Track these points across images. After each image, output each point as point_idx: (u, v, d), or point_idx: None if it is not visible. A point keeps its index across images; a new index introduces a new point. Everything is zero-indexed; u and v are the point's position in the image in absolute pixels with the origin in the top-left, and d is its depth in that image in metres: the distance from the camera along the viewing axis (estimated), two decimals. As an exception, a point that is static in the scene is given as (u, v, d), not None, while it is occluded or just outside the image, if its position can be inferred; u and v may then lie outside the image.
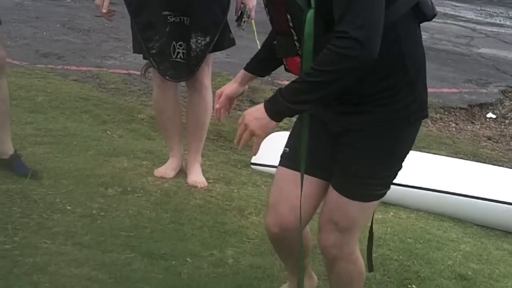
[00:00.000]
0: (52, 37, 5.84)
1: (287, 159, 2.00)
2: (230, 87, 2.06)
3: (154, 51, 3.07)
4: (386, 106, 1.80)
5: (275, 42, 1.91)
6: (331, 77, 1.64)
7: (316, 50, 1.68)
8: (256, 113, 1.76)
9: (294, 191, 1.90)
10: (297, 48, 1.78)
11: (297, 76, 1.76)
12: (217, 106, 2.06)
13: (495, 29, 8.29)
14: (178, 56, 3.07)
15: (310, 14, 1.66)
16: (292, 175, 1.95)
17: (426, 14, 1.79)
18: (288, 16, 1.75)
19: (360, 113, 1.83)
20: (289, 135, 2.06)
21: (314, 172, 1.92)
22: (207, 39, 3.04)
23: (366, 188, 1.88)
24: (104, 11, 3.13)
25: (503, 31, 8.23)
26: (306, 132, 1.85)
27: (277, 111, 1.73)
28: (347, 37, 1.60)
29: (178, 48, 3.06)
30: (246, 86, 2.12)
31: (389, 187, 1.95)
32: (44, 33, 5.95)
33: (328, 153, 1.92)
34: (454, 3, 9.63)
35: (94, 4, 3.19)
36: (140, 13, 3.06)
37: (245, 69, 2.07)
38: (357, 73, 1.66)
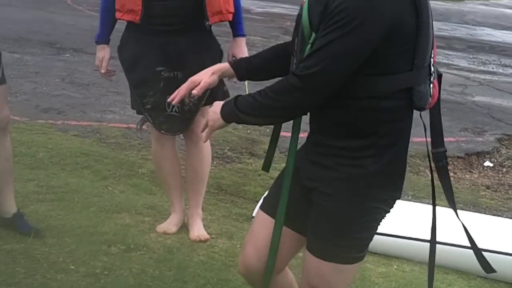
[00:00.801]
0: (52, 92, 5.90)
1: (266, 202, 2.05)
2: (211, 78, 2.00)
3: (149, 106, 3.12)
4: (350, 167, 1.79)
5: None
6: (271, 103, 1.73)
7: None
8: (217, 107, 1.88)
9: (262, 234, 1.95)
10: (293, 69, 1.84)
11: None
12: (181, 89, 2.02)
13: (488, 77, 8.41)
14: (173, 110, 3.11)
15: (308, 49, 1.70)
16: (265, 219, 1.99)
17: (414, 102, 1.78)
18: (296, 40, 1.84)
19: (326, 167, 1.82)
20: (275, 179, 2.09)
21: (288, 223, 1.94)
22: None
23: (337, 250, 1.84)
24: (103, 71, 3.21)
25: (496, 78, 8.36)
26: (288, 180, 1.90)
27: (226, 112, 1.83)
28: (297, 75, 1.68)
29: None
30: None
31: (364, 251, 1.89)
32: (44, 88, 6.00)
33: (302, 208, 1.92)
34: (446, 51, 9.79)
35: (93, 58, 3.26)
36: (134, 70, 3.12)
37: (233, 66, 2.05)
38: (293, 112, 1.77)
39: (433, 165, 1.93)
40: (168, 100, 2.06)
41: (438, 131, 1.90)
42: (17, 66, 6.58)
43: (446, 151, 1.90)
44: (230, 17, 3.11)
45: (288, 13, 12.41)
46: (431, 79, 1.80)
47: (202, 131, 1.95)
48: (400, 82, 1.73)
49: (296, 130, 1.93)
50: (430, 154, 1.94)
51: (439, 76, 1.88)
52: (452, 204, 1.94)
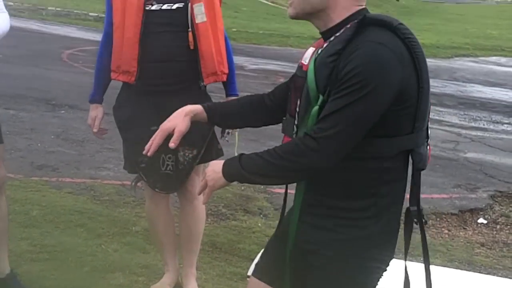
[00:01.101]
0: (46, 148, 5.93)
1: (260, 269, 2.05)
2: (184, 123, 2.02)
3: (143, 165, 3.13)
4: (351, 229, 1.81)
5: (284, 118, 1.99)
6: (284, 164, 1.72)
7: None
8: (216, 166, 1.86)
9: None
10: (294, 132, 1.86)
11: None
12: (155, 138, 2.04)
13: (479, 133, 8.49)
14: (168, 168, 3.12)
15: (314, 110, 1.73)
16: (259, 285, 1.99)
17: (414, 163, 1.82)
18: (298, 102, 1.84)
19: (325, 229, 1.84)
20: (268, 242, 2.09)
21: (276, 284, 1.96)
22: (194, 152, 3.12)
23: None
24: (95, 130, 3.24)
25: (488, 135, 8.44)
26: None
27: (230, 171, 1.82)
28: (313, 137, 1.68)
29: (167, 161, 3.13)
30: None
31: None
32: (39, 144, 6.04)
33: (292, 270, 1.93)
34: (438, 108, 9.91)
35: (87, 115, 3.29)
36: (129, 129, 3.15)
37: (206, 109, 2.06)
38: (306, 173, 1.75)
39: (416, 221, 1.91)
40: (144, 152, 2.07)
41: (417, 189, 1.88)
42: (13, 123, 6.61)
43: (419, 210, 1.89)
44: (225, 77, 3.17)
45: (282, 70, 12.58)
46: (428, 141, 1.86)
47: (200, 192, 1.94)
48: (403, 144, 1.78)
49: (300, 190, 1.94)
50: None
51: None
52: (426, 261, 1.94)
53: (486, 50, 21.47)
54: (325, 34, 1.84)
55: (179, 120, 2.01)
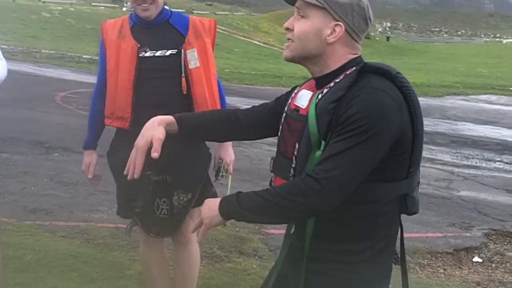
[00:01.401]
0: (40, 191, 5.90)
1: None
2: (160, 132, 2.01)
3: (138, 210, 3.13)
4: (346, 273, 1.82)
5: (273, 157, 2.00)
6: (283, 203, 1.72)
7: None
8: (212, 204, 1.86)
9: None
10: (290, 175, 1.86)
11: None
12: (136, 158, 2.03)
13: (472, 171, 8.54)
14: (162, 213, 3.12)
15: (318, 155, 1.75)
16: None
17: (407, 207, 1.86)
18: (297, 145, 1.85)
19: (320, 273, 1.85)
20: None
21: None
22: (189, 195, 3.11)
23: None
24: (89, 176, 3.24)
25: (480, 173, 8.48)
26: None
27: (227, 209, 1.81)
28: (315, 178, 1.69)
29: (162, 205, 3.12)
30: None
31: None
32: (32, 188, 6.01)
33: None
34: (430, 146, 9.97)
35: (81, 158, 3.30)
36: (123, 175, 3.14)
37: (178, 121, 2.08)
38: (305, 213, 1.76)
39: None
40: (125, 172, 2.05)
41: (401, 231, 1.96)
42: (6, 166, 6.60)
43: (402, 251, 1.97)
44: None
45: (274, 110, 12.66)
46: (418, 185, 1.91)
47: (195, 230, 1.94)
48: (399, 189, 1.82)
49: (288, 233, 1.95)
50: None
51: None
52: None
53: (476, 88, 21.74)
54: (320, 80, 1.87)
55: (153, 130, 2.00)
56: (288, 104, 1.98)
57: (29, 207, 5.39)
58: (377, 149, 1.69)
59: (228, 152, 3.27)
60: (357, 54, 1.86)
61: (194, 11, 53.95)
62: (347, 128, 1.68)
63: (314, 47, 1.83)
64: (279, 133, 1.99)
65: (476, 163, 9.21)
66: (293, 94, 1.99)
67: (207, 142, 3.29)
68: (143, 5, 2.94)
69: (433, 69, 30.75)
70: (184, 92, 3.01)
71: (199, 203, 3.17)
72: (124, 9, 53.79)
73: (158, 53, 2.99)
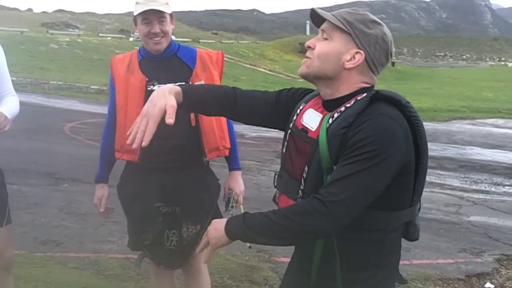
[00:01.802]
0: (50, 223, 5.92)
1: None
2: (171, 99, 1.96)
3: (148, 242, 3.14)
4: None
5: (278, 173, 2.03)
6: (290, 225, 1.73)
7: None
8: (219, 224, 1.87)
9: None
10: (299, 196, 1.88)
11: None
12: (148, 127, 1.93)
13: (481, 196, 8.51)
14: (172, 244, 3.13)
15: (327, 178, 1.78)
16: None
17: (409, 234, 1.91)
18: (306, 168, 1.85)
19: None
20: None
21: None
22: (198, 227, 3.12)
23: None
24: (101, 210, 3.26)
25: (490, 197, 8.45)
26: None
27: (233, 229, 1.83)
28: (322, 201, 1.70)
29: (171, 236, 3.14)
30: None
31: None
32: (43, 219, 6.03)
33: None
34: (438, 171, 9.96)
35: (91, 188, 3.32)
36: (133, 207, 3.17)
37: (184, 94, 2.04)
38: (311, 235, 1.77)
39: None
40: (129, 141, 1.96)
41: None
42: (16, 198, 6.63)
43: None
44: (227, 152, 3.20)
45: (282, 137, 12.70)
46: (419, 211, 1.94)
47: (201, 250, 1.95)
48: (403, 217, 1.85)
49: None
50: None
51: None
52: None
53: (483, 112, 21.74)
54: (328, 103, 1.90)
55: (165, 98, 1.94)
56: (293, 120, 1.99)
57: (39, 238, 5.41)
58: (384, 175, 1.71)
59: (238, 182, 3.27)
60: (368, 84, 1.90)
61: (200, 40, 54.41)
62: (355, 152, 1.70)
63: (330, 69, 1.86)
64: (283, 149, 2.01)
65: (485, 187, 9.18)
66: (298, 111, 2.00)
67: (216, 173, 3.30)
68: (156, 38, 2.98)
69: (439, 93, 30.80)
70: (193, 124, 3.03)
71: None
72: (131, 39, 54.34)
73: None
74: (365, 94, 1.83)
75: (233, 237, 1.84)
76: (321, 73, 1.88)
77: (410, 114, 1.80)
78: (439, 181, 9.25)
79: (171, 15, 3.03)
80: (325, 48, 1.87)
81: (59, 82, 21.96)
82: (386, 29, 1.89)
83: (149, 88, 3.01)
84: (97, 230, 5.82)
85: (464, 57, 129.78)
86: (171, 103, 1.92)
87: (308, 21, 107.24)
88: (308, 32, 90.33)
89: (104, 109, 16.16)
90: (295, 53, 61.95)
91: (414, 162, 1.81)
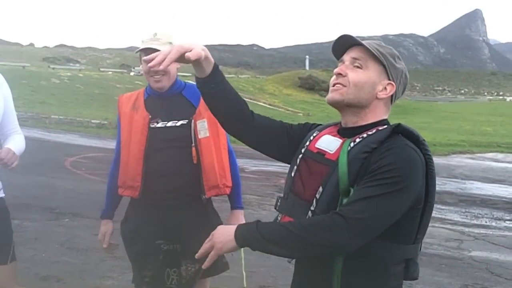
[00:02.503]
0: (51, 258, 5.90)
1: None
2: (201, 50, 1.94)
3: (147, 279, 3.13)
4: None
5: (282, 196, 2.04)
6: (306, 236, 1.74)
7: None
8: (226, 229, 1.86)
9: None
10: (308, 214, 1.88)
11: None
12: (171, 52, 1.88)
13: (482, 231, 8.50)
14: (173, 283, 3.13)
15: (344, 199, 1.80)
16: None
17: (409, 272, 1.93)
18: (320, 189, 1.87)
19: None
20: None
21: None
22: (197, 266, 3.11)
23: None
24: (105, 246, 3.27)
25: (491, 232, 8.44)
26: None
27: (245, 235, 1.82)
28: (344, 217, 1.73)
29: (172, 275, 3.14)
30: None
31: None
32: (43, 254, 6.01)
33: None
34: (439, 206, 9.95)
35: (91, 223, 3.33)
36: (133, 243, 3.18)
37: (214, 68, 2.03)
38: (327, 250, 1.76)
39: None
40: (149, 62, 1.92)
41: None
42: (17, 233, 6.50)
43: None
44: (228, 191, 3.19)
45: (282, 171, 12.69)
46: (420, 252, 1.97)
47: (203, 254, 1.91)
48: (407, 252, 1.88)
49: None
50: None
51: None
52: None
53: (482, 146, 21.81)
54: (348, 130, 1.96)
55: (196, 45, 1.93)
56: (306, 146, 2.02)
57: (40, 274, 5.39)
58: (404, 202, 1.77)
59: (239, 221, 3.25)
60: (385, 117, 1.99)
61: (200, 75, 54.67)
62: (380, 176, 1.75)
63: (365, 98, 1.92)
64: (292, 173, 2.02)
65: (486, 222, 9.17)
66: (311, 137, 2.03)
67: (217, 210, 3.30)
68: (156, 76, 3.04)
69: (438, 127, 30.93)
70: (194, 162, 3.05)
71: (208, 274, 3.18)
72: (132, 73, 54.78)
73: (169, 124, 3.06)
74: (386, 126, 1.91)
75: (243, 243, 1.83)
76: (356, 101, 1.93)
77: (426, 152, 1.86)
78: (439, 216, 9.25)
79: None
80: (362, 76, 1.92)
81: (60, 117, 22.09)
82: (404, 65, 1.99)
83: (152, 126, 3.05)
84: (98, 265, 5.79)
85: (463, 91, 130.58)
86: (199, 49, 1.92)
87: (307, 56, 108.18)
88: (307, 67, 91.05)
89: (104, 144, 16.26)
90: (294, 87, 62.34)
91: (423, 200, 1.86)
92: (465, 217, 9.50)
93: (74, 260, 5.94)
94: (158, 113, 3.07)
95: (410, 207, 1.79)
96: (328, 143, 1.95)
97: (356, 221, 1.72)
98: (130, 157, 3.08)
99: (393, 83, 1.93)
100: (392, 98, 1.97)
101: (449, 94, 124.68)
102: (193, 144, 3.05)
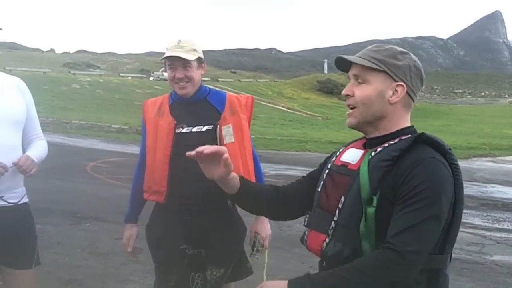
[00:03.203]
0: (73, 262, 5.96)
1: None
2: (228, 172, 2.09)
3: (172, 283, 3.15)
4: None
5: (309, 213, 2.04)
6: (365, 279, 1.73)
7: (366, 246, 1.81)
8: (276, 285, 1.85)
9: None
10: (331, 228, 1.90)
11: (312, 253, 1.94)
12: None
13: (504, 235, 8.42)
14: (197, 287, 3.15)
15: (371, 212, 1.79)
16: None
17: (439, 282, 1.87)
18: (342, 199, 1.88)
19: None
20: None
21: None
22: (222, 271, 3.13)
23: None
24: (129, 250, 3.30)
25: (513, 236, 8.36)
26: None
27: None
28: (398, 252, 1.72)
29: (196, 279, 3.16)
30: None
31: None
32: (66, 259, 6.08)
33: None
34: (460, 210, 9.87)
35: (113, 227, 3.36)
36: (159, 248, 3.20)
37: (241, 183, 2.15)
38: (388, 286, 1.75)
39: None
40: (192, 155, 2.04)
41: None
42: (39, 237, 6.59)
43: None
44: None
45: (302, 174, 12.58)
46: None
47: None
48: (432, 262, 1.83)
49: None
50: None
51: None
52: None
53: (503, 149, 21.61)
54: (373, 140, 1.97)
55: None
56: (332, 161, 2.04)
57: (63, 278, 5.44)
58: (443, 218, 1.78)
59: (264, 226, 3.28)
60: (410, 123, 1.98)
61: (219, 79, 54.99)
62: (416, 199, 1.74)
63: (378, 109, 1.92)
64: (319, 189, 2.03)
65: (507, 226, 9.08)
66: (338, 153, 2.06)
67: (242, 214, 3.32)
68: (180, 83, 3.08)
69: (458, 131, 30.72)
70: None
71: (233, 278, 3.20)
72: (151, 78, 55.13)
73: (194, 129, 3.09)
74: (409, 135, 1.90)
75: None
76: (370, 117, 1.94)
77: (452, 162, 1.86)
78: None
79: (199, 60, 3.12)
80: (366, 92, 1.92)
81: (80, 122, 22.31)
82: (413, 56, 1.96)
83: (177, 131, 3.08)
84: (119, 269, 5.84)
85: (483, 94, 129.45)
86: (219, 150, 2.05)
87: (326, 60, 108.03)
88: (326, 70, 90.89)
89: (124, 148, 16.37)
90: (313, 91, 62.28)
91: (452, 209, 1.84)
92: (486, 221, 9.41)
93: (96, 264, 6.00)
94: (183, 118, 3.10)
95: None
96: (352, 155, 1.97)
97: (412, 254, 1.72)
98: (155, 162, 3.11)
99: (401, 83, 1.91)
100: (410, 94, 1.94)
101: (469, 96, 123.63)
102: None
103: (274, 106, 44.47)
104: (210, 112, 3.12)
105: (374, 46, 1.98)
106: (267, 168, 13.33)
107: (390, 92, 1.91)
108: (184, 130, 3.09)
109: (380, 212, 1.78)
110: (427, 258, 1.78)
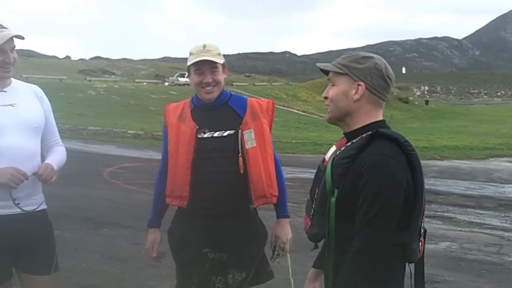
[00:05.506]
0: (91, 268, 6.00)
1: None
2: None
3: (193, 287, 3.16)
4: None
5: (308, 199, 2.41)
6: (360, 281, 2.08)
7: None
8: None
9: None
10: (311, 214, 2.31)
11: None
12: None
13: (523, 235, 8.34)
14: None
15: (332, 202, 2.14)
16: None
17: (406, 256, 2.21)
18: (317, 190, 2.30)
19: None
20: None
21: None
22: (243, 274, 3.14)
23: None
24: (154, 255, 3.32)
25: (531, 237, 8.27)
26: None
27: None
28: (359, 249, 2.08)
29: (218, 283, 3.17)
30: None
31: None
32: (84, 264, 6.12)
33: None
34: (478, 211, 9.82)
35: (130, 232, 3.37)
36: (180, 252, 3.21)
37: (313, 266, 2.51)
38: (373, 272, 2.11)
39: None
40: None
41: (420, 282, 2.28)
42: (57, 243, 6.70)
43: None
44: (274, 200, 3.21)
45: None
46: (420, 238, 2.22)
47: None
48: (397, 238, 2.13)
49: None
50: None
51: (424, 232, 2.27)
52: None
53: (520, 149, 21.36)
54: (349, 135, 2.28)
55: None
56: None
57: (81, 283, 5.48)
58: (395, 206, 2.07)
59: (285, 230, 3.28)
60: (380, 118, 2.26)
61: (233, 83, 55.06)
62: (365, 194, 2.05)
63: (343, 106, 2.25)
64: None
65: (526, 227, 9.00)
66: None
67: (263, 218, 3.32)
68: (208, 88, 3.11)
69: (475, 131, 30.49)
70: (241, 171, 3.08)
71: (254, 282, 3.21)
72: (166, 84, 55.36)
73: (216, 134, 3.11)
74: (370, 132, 2.17)
75: None
76: (339, 113, 2.28)
77: (407, 151, 2.12)
78: (478, 221, 9.12)
79: (223, 65, 3.16)
80: (334, 92, 2.28)
81: (97, 128, 22.45)
82: (377, 60, 2.25)
83: (199, 136, 3.10)
84: (137, 274, 5.87)
85: (499, 93, 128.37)
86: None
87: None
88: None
89: (140, 153, 16.45)
90: (327, 94, 61.96)
91: (411, 193, 2.11)
92: (504, 221, 9.34)
93: (114, 269, 6.03)
94: (205, 123, 3.12)
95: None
96: (329, 153, 2.32)
97: (372, 247, 2.06)
98: (177, 167, 3.12)
99: (361, 83, 2.20)
100: (373, 92, 2.21)
101: (485, 97, 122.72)
102: (239, 154, 3.08)
103: (289, 109, 44.44)
104: (232, 117, 3.14)
105: (346, 54, 2.32)
106: (282, 172, 13.30)
107: (353, 91, 2.22)
108: (206, 135, 3.11)
109: (342, 202, 2.11)
110: (393, 236, 2.08)
